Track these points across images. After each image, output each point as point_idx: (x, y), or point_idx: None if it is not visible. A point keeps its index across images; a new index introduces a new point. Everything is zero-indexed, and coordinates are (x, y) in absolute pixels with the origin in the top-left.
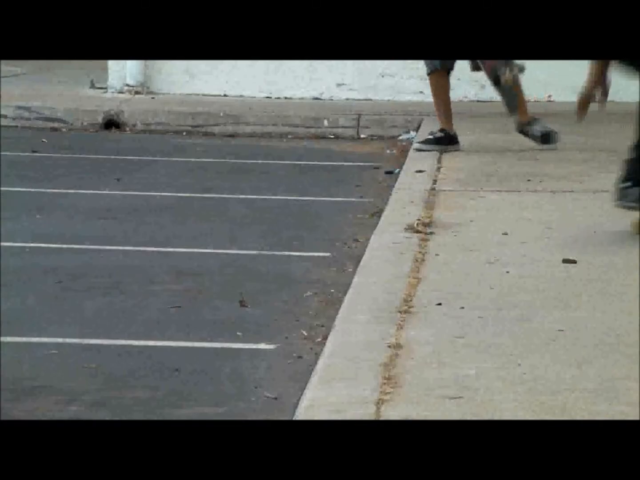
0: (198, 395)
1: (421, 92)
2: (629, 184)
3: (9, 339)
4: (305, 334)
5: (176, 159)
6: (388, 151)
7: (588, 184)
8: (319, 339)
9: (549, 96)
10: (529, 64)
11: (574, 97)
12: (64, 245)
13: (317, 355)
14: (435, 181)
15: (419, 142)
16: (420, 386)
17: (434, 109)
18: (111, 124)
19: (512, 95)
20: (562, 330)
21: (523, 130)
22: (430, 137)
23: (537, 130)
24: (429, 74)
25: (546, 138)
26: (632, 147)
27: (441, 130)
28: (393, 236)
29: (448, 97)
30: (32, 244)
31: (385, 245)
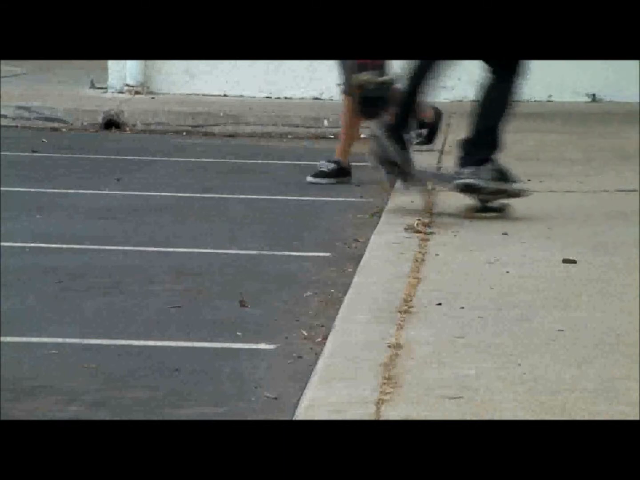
0: (198, 395)
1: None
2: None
3: (9, 339)
4: (305, 334)
5: (176, 159)
6: None
7: (588, 184)
8: (319, 339)
9: (549, 96)
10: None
11: (574, 97)
12: (64, 245)
13: (317, 355)
14: None
15: (311, 176)
16: (420, 386)
17: (341, 134)
18: (111, 124)
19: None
20: (562, 330)
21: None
22: (324, 169)
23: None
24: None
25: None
26: (461, 142)
27: (335, 161)
28: (393, 236)
29: (357, 124)
30: (32, 244)
31: (385, 245)
